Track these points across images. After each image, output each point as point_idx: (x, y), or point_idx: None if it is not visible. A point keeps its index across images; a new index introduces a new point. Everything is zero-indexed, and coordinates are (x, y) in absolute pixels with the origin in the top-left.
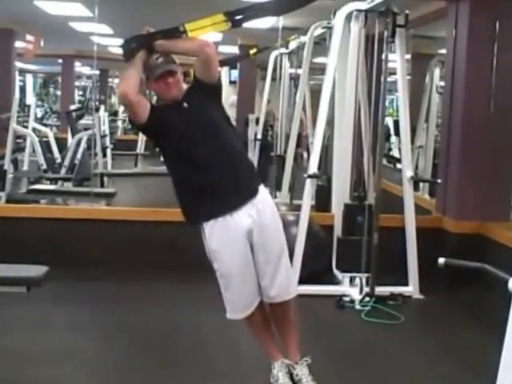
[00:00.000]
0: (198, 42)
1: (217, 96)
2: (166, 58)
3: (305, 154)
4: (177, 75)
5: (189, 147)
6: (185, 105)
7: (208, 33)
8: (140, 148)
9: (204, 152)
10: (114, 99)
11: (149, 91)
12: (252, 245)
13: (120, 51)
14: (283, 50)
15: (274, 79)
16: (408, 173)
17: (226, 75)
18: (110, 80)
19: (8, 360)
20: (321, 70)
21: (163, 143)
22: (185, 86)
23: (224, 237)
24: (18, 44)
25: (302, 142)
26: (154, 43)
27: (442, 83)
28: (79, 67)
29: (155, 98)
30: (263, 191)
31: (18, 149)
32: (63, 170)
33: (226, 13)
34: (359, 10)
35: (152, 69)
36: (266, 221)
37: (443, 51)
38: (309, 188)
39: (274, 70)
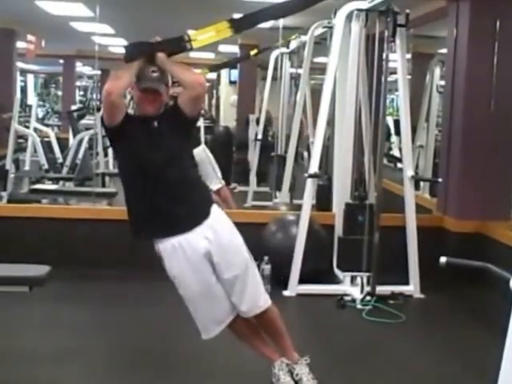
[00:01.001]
0: (195, 78)
1: (189, 128)
2: (160, 76)
3: (305, 154)
4: (160, 97)
5: (146, 165)
6: (155, 124)
7: (212, 40)
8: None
9: (159, 174)
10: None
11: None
12: (214, 265)
13: (121, 51)
14: (284, 50)
15: (274, 79)
16: (409, 172)
17: (226, 75)
18: (110, 77)
19: (10, 360)
20: (321, 69)
21: (122, 153)
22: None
23: (182, 262)
24: (20, 44)
25: (303, 142)
26: (156, 54)
27: (443, 83)
28: (80, 67)
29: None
30: (216, 211)
31: (20, 149)
32: (65, 170)
33: (229, 20)
34: (360, 10)
35: (143, 78)
36: (224, 240)
37: (444, 51)
38: (310, 187)
39: (275, 69)
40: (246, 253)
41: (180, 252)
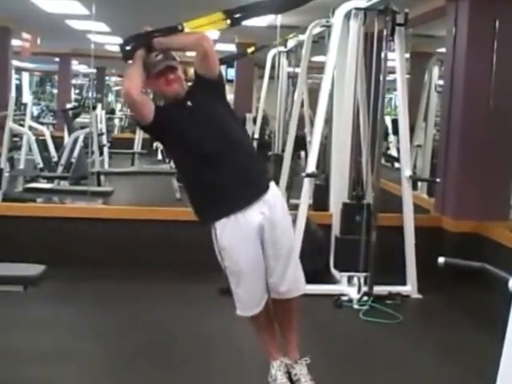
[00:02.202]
0: (195, 36)
1: (220, 91)
2: (166, 55)
3: (302, 153)
4: (177, 71)
5: (197, 146)
6: (188, 103)
7: (207, 31)
8: (137, 146)
9: (213, 150)
10: (111, 97)
11: (147, 91)
12: (263, 241)
13: (117, 49)
14: (281, 49)
15: (271, 78)
16: (407, 172)
17: (222, 74)
18: (106, 78)
19: (3, 359)
20: (319, 68)
21: (170, 144)
22: (187, 84)
23: (235, 234)
24: (15, 42)
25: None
26: (152, 42)
27: (441, 82)
28: (76, 65)
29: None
30: (273, 187)
31: (15, 147)
32: (60, 169)
33: (224, 11)
34: (358, 9)
35: (152, 66)
36: (277, 217)
37: (442, 50)
38: (307, 187)
39: (272, 68)
40: (293, 236)
41: (234, 223)
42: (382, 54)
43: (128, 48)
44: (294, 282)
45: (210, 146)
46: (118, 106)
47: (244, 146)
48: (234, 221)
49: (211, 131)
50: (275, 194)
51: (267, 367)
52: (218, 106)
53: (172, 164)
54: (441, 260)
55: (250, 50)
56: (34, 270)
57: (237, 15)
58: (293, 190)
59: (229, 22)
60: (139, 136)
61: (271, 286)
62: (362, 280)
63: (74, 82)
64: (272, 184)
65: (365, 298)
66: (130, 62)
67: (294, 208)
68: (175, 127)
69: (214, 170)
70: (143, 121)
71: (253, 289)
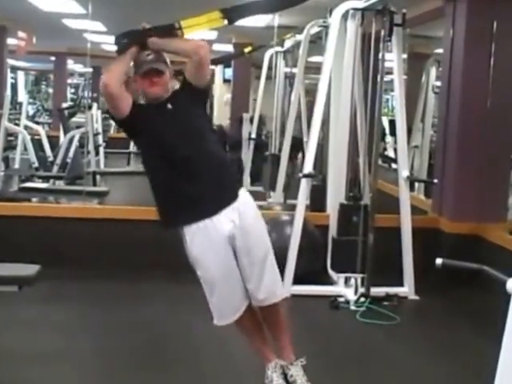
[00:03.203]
0: (193, 43)
1: (203, 100)
2: (157, 57)
3: (300, 155)
4: (164, 76)
5: (170, 150)
6: (169, 106)
7: (203, 29)
8: (133, 146)
9: (185, 155)
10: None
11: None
12: (235, 249)
13: (113, 48)
14: (278, 49)
15: (268, 78)
16: (404, 173)
17: (220, 73)
18: (103, 72)
19: None
20: (316, 69)
21: (143, 143)
22: (177, 85)
23: (205, 243)
24: (10, 41)
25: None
26: (147, 40)
27: (439, 83)
28: (72, 64)
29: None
30: (244, 194)
31: (10, 147)
32: (55, 169)
33: (222, 10)
34: (356, 9)
35: (140, 65)
36: (248, 224)
37: (440, 51)
38: (304, 187)
39: (269, 68)
40: (268, 241)
41: (204, 232)
42: (380, 55)
43: (122, 43)
44: (270, 289)
45: (183, 151)
46: None
47: (216, 156)
48: (204, 229)
49: (186, 137)
50: (246, 201)
51: (261, 369)
52: (198, 115)
53: None
54: (438, 261)
55: (246, 50)
56: (28, 270)
57: (234, 14)
58: (290, 190)
59: (226, 20)
60: None
61: (250, 293)
62: (358, 281)
63: (69, 81)
64: (242, 191)
65: (362, 300)
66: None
67: (290, 208)
68: (151, 127)
69: (183, 175)
70: (117, 114)
71: (227, 297)
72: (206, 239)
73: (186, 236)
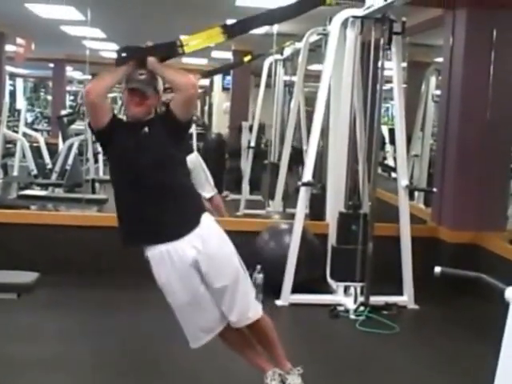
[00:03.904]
0: (186, 80)
1: (182, 134)
2: (149, 79)
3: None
4: (147, 100)
5: (134, 172)
6: (145, 129)
7: (204, 45)
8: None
9: (148, 181)
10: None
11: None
12: (202, 275)
13: (112, 55)
14: (278, 57)
15: (268, 86)
16: (403, 182)
17: (219, 81)
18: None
19: None
20: (316, 77)
21: (111, 157)
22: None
23: (170, 271)
24: (9, 47)
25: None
26: (146, 59)
27: (438, 92)
28: (70, 72)
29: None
30: (206, 220)
31: (8, 154)
32: (54, 176)
33: (222, 26)
34: (355, 17)
35: (130, 80)
36: (213, 249)
37: (440, 59)
38: (303, 196)
39: (269, 76)
40: (237, 263)
41: (167, 260)
42: (379, 63)
43: (123, 55)
44: (242, 311)
45: (147, 177)
46: None
47: (179, 187)
48: (167, 257)
49: (153, 164)
50: (208, 225)
51: (258, 378)
52: (171, 145)
53: None
54: (437, 270)
55: (246, 59)
56: (27, 277)
57: (234, 29)
58: (289, 199)
59: (226, 35)
60: None
61: (224, 314)
62: (358, 290)
63: (68, 88)
64: (205, 217)
65: (361, 309)
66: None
67: (290, 217)
68: (123, 145)
69: (145, 199)
70: (95, 124)
71: (197, 321)
72: (170, 267)
73: (151, 263)
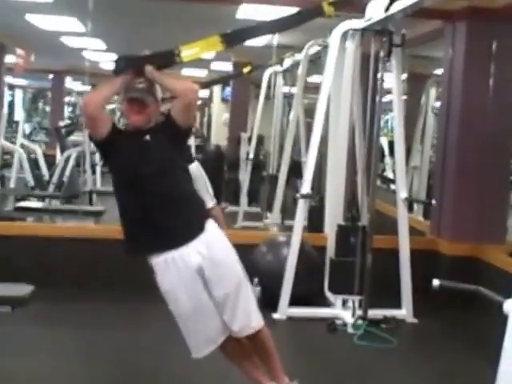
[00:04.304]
0: (185, 85)
1: (183, 140)
2: (148, 87)
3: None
4: (148, 108)
5: (137, 181)
6: (147, 137)
7: (203, 53)
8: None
9: (151, 189)
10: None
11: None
12: (206, 281)
13: (112, 67)
14: (277, 68)
15: (267, 97)
16: (402, 194)
17: (218, 93)
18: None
19: None
20: (315, 88)
21: (113, 166)
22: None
23: (174, 278)
24: (8, 58)
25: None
26: (144, 68)
27: (438, 104)
28: (70, 83)
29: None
30: (211, 226)
31: (5, 165)
32: (51, 188)
33: (221, 34)
34: (355, 29)
35: (129, 90)
36: (217, 255)
37: (439, 71)
38: (301, 208)
39: (268, 88)
40: (240, 271)
41: (172, 266)
42: (379, 75)
43: (119, 65)
44: (245, 321)
45: (150, 185)
46: None
47: (184, 191)
48: (172, 264)
49: (156, 171)
50: (213, 231)
51: None
52: (173, 152)
53: None
54: (435, 282)
55: (245, 70)
56: (22, 290)
57: (233, 38)
58: (287, 211)
59: (225, 44)
60: None
61: (226, 323)
62: (356, 303)
63: (67, 99)
64: (209, 223)
65: (359, 322)
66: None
67: (288, 229)
68: (124, 154)
69: (149, 207)
70: (95, 136)
71: (200, 330)
72: (174, 274)
73: (156, 270)
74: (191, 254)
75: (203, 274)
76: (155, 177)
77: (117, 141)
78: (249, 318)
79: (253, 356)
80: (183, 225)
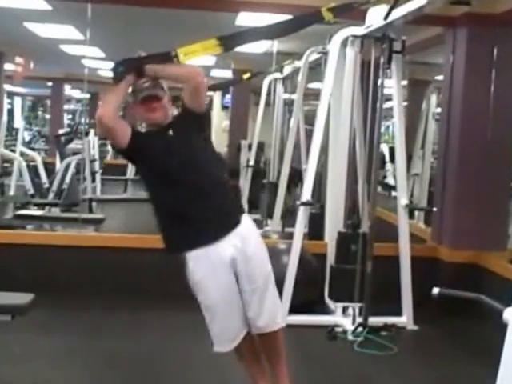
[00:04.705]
0: (189, 69)
1: (204, 125)
2: (154, 83)
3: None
4: (162, 101)
5: (171, 176)
6: (170, 132)
7: (200, 56)
8: (130, 173)
9: (186, 182)
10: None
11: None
12: (237, 274)
13: (110, 74)
14: (277, 75)
15: (267, 104)
16: (403, 201)
17: (218, 100)
18: (100, 104)
19: None
20: (315, 95)
21: (145, 170)
22: (175, 111)
23: (207, 268)
24: (7, 66)
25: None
26: (143, 67)
27: (439, 110)
28: (69, 90)
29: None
30: (246, 220)
31: (5, 173)
32: (51, 195)
33: (219, 37)
34: (355, 36)
35: (137, 92)
36: (251, 249)
37: (440, 77)
38: (302, 215)
39: (268, 95)
40: (270, 268)
41: (205, 257)
42: (379, 82)
43: (118, 71)
44: (271, 316)
45: (185, 178)
46: None
47: (218, 182)
48: (206, 255)
49: (188, 163)
50: (248, 226)
51: None
52: (200, 140)
53: None
54: (435, 291)
55: (245, 77)
56: (22, 298)
57: (230, 41)
58: (288, 218)
59: (222, 47)
60: None
61: (250, 320)
62: (356, 310)
63: (66, 107)
64: (245, 217)
65: (359, 329)
66: (118, 84)
67: (288, 237)
68: (152, 154)
69: (185, 201)
70: (117, 145)
71: (227, 324)
72: (208, 264)
73: (189, 261)
74: (226, 246)
75: (235, 267)
76: (187, 169)
77: (141, 143)
78: (275, 315)
79: (262, 361)
80: (222, 217)
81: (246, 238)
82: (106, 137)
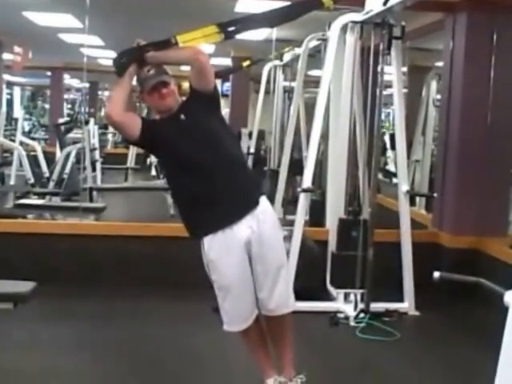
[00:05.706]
0: (190, 50)
1: (215, 105)
2: (158, 70)
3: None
4: (170, 86)
5: (188, 160)
6: (182, 117)
7: (200, 44)
8: (130, 162)
9: (204, 164)
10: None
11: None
12: (251, 256)
13: (110, 63)
14: (277, 62)
15: (267, 92)
16: (404, 187)
17: (219, 88)
18: (99, 93)
19: None
20: (315, 82)
21: (163, 157)
22: (181, 99)
23: (222, 247)
24: (6, 56)
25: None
26: (145, 56)
27: (439, 96)
28: (68, 79)
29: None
30: (264, 202)
31: (5, 163)
32: (51, 185)
33: (218, 24)
34: (355, 22)
35: (144, 81)
36: (266, 232)
37: (440, 64)
38: (303, 202)
39: (268, 82)
40: (284, 253)
41: (222, 237)
42: (379, 68)
43: (120, 63)
44: (282, 299)
45: (202, 160)
46: None
47: (236, 161)
48: (222, 235)
49: (203, 145)
50: (265, 209)
51: None
52: (212, 120)
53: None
54: (436, 274)
55: (245, 64)
56: (24, 286)
57: (230, 28)
58: (289, 205)
59: (222, 35)
60: (133, 151)
61: (260, 302)
62: (358, 297)
63: (66, 96)
64: (263, 199)
65: (361, 315)
66: (121, 77)
67: (289, 224)
68: (167, 140)
69: (204, 183)
70: (129, 138)
71: (240, 304)
72: (223, 244)
73: (205, 241)
74: (242, 227)
75: (250, 248)
76: (204, 151)
77: (153, 132)
78: (286, 298)
79: (267, 346)
80: (241, 199)
81: (262, 220)
82: (118, 132)
